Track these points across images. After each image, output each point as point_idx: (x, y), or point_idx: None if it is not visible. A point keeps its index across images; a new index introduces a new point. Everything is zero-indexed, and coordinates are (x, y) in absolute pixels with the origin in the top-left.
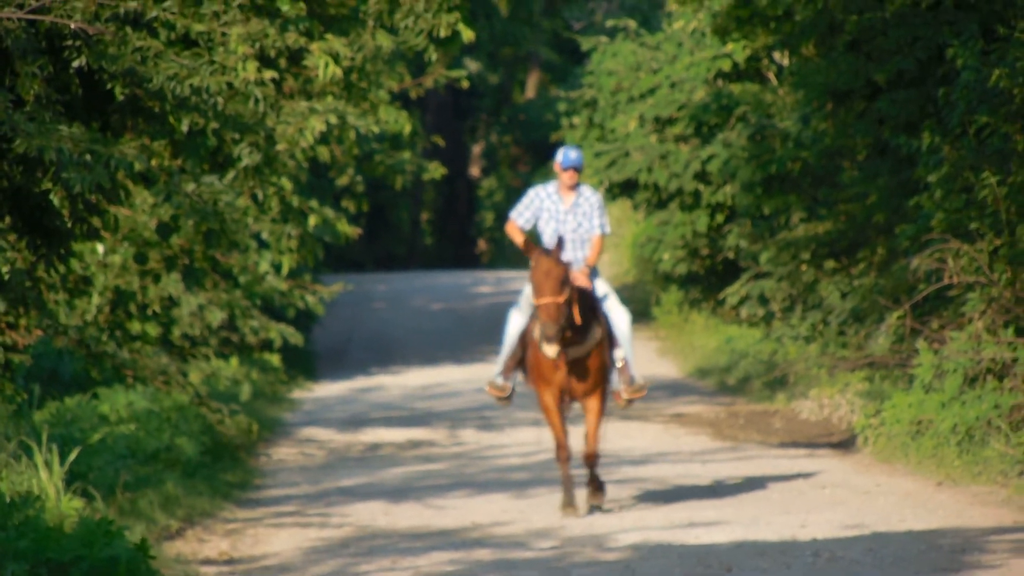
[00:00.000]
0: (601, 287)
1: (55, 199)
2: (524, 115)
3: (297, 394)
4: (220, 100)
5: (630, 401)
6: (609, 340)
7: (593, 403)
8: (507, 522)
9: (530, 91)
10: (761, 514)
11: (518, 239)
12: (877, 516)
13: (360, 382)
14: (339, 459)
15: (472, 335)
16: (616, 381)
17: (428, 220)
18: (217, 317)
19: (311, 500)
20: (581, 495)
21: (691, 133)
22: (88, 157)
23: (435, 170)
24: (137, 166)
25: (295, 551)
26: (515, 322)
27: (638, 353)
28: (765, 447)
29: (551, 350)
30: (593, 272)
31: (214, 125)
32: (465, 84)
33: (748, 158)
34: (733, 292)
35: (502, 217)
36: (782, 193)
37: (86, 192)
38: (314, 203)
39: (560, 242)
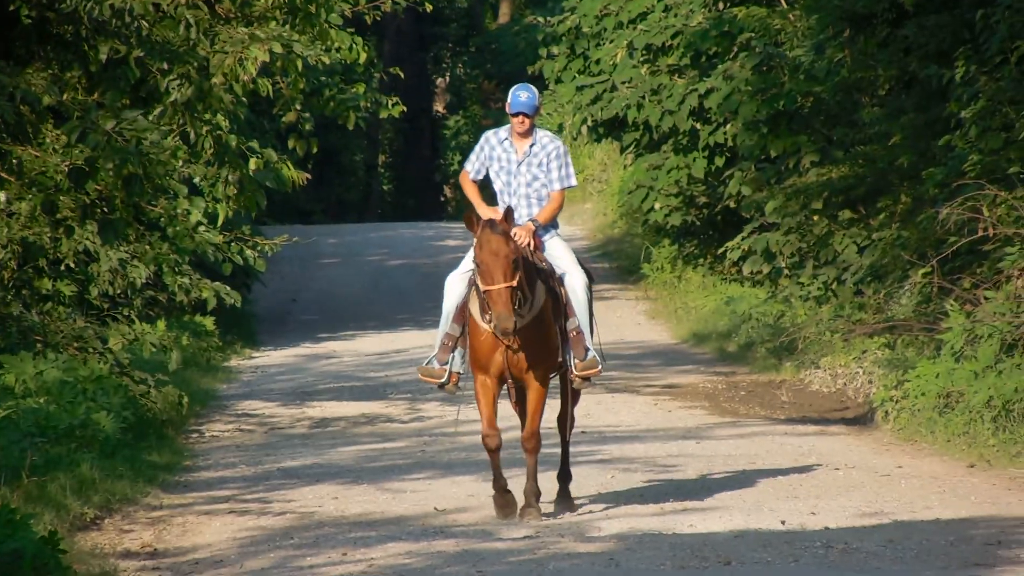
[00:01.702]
0: (556, 246)
1: None
2: (496, 44)
3: (234, 362)
4: (145, 24)
5: (584, 379)
6: (563, 308)
7: (534, 380)
8: (474, 508)
9: (503, 16)
10: (765, 500)
11: (470, 197)
12: (898, 502)
13: (306, 349)
14: (282, 437)
15: (436, 296)
16: (570, 356)
17: (385, 163)
18: (141, 274)
19: (249, 484)
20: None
21: (687, 64)
22: None
23: (394, 107)
24: (46, 99)
25: (230, 542)
26: (452, 292)
27: (624, 316)
28: (770, 423)
29: (505, 338)
30: (547, 228)
31: (138, 53)
32: (429, 7)
33: (752, 93)
34: (734, 246)
35: None
36: (791, 133)
37: None
38: (255, 144)
39: (508, 213)
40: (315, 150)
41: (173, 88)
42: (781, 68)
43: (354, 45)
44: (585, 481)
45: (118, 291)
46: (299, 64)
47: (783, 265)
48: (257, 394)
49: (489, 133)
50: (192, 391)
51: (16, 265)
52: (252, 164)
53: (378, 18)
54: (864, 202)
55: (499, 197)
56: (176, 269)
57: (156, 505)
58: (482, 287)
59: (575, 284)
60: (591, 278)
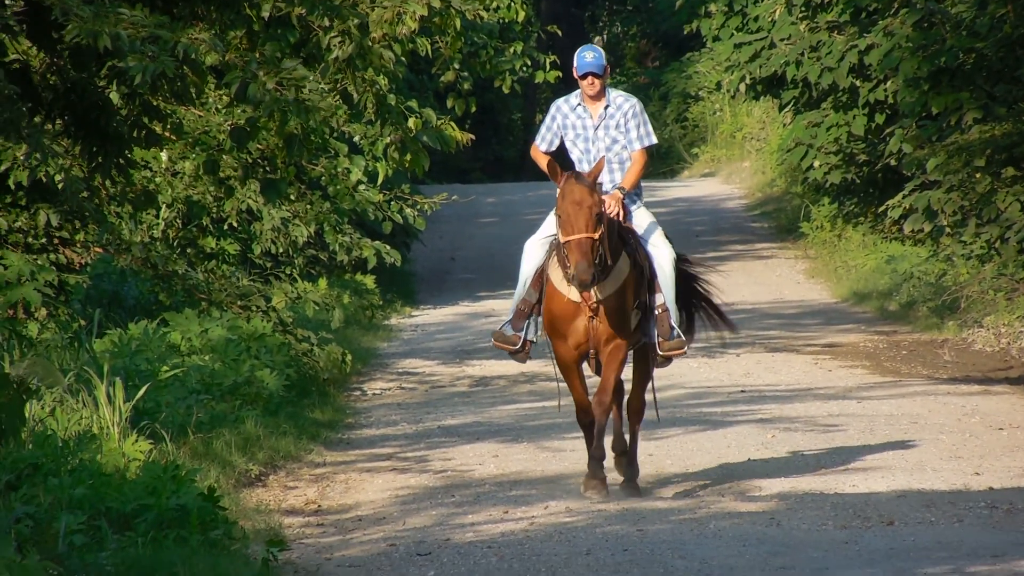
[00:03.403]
0: (642, 216)
1: (114, 97)
2: (653, 2)
3: (395, 321)
4: None
5: (667, 359)
6: (649, 283)
7: (613, 352)
8: None
9: None
10: (927, 459)
11: (542, 163)
12: None
13: (466, 307)
14: (442, 395)
15: None
16: (654, 333)
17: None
18: (303, 233)
19: (410, 441)
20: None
21: (847, 20)
22: (151, 46)
23: (549, 71)
24: (210, 58)
25: (391, 499)
26: (531, 257)
27: (783, 275)
28: (932, 382)
29: (577, 294)
30: (632, 197)
31: (299, 11)
32: None
33: (913, 49)
34: (895, 204)
35: None
36: (953, 90)
37: (148, 86)
38: (414, 103)
39: (601, 163)
40: (473, 109)
41: (334, 45)
42: (943, 24)
43: (512, 3)
44: (745, 440)
45: (280, 250)
46: (457, 23)
47: (945, 223)
48: (417, 352)
49: (560, 101)
50: (354, 349)
51: (181, 224)
52: (411, 123)
53: None
54: None
55: (577, 166)
56: (337, 228)
57: (319, 462)
58: (562, 238)
59: (663, 260)
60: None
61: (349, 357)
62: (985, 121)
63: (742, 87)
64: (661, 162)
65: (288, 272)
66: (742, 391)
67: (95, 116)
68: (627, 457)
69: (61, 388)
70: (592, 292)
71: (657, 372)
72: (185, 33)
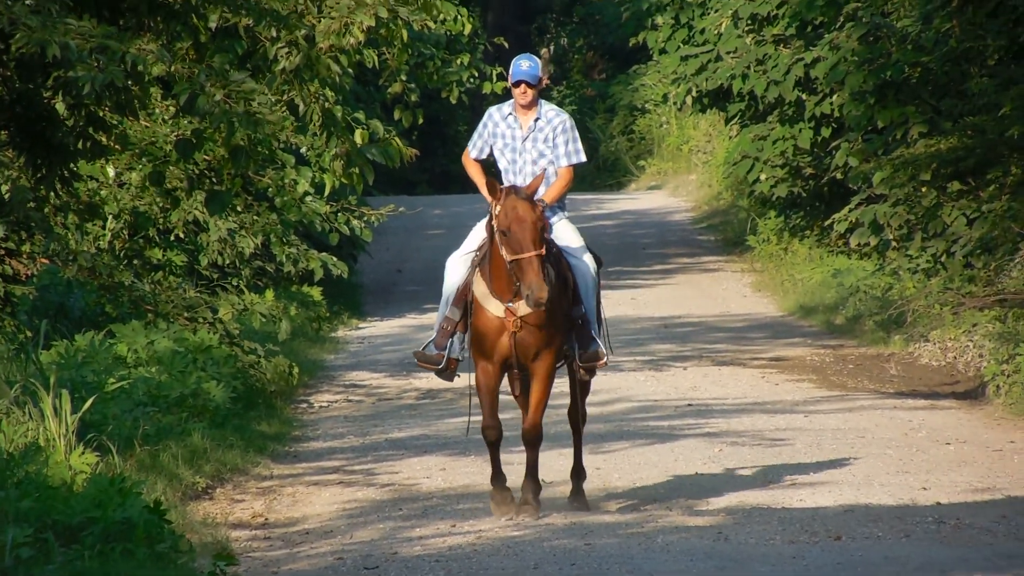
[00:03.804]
0: (564, 228)
1: (60, 108)
2: (600, 15)
3: (342, 333)
4: None
5: (589, 371)
6: (570, 294)
7: (540, 368)
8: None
9: None
10: (875, 474)
11: (475, 176)
12: (1011, 478)
13: (413, 319)
14: (389, 408)
15: None
16: (575, 345)
17: None
18: (250, 244)
19: (357, 454)
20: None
21: (793, 34)
22: (99, 56)
23: (497, 83)
24: (157, 69)
25: (339, 512)
26: (453, 274)
27: (730, 288)
28: (879, 396)
29: (501, 309)
30: (554, 210)
31: (247, 22)
32: None
33: (859, 63)
34: (841, 218)
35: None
36: (899, 104)
37: (94, 97)
38: (361, 115)
39: (540, 177)
40: (421, 121)
41: (281, 56)
42: (888, 38)
43: (459, 16)
44: (693, 454)
45: (227, 261)
46: (404, 34)
47: (891, 237)
48: (364, 365)
49: (492, 109)
50: (300, 361)
51: (127, 235)
52: (358, 136)
53: None
54: (973, 174)
55: (504, 176)
56: (284, 239)
57: (266, 475)
58: (508, 257)
59: (583, 270)
60: (599, 263)
61: (296, 369)
62: (931, 135)
63: (688, 100)
64: (608, 174)
65: (235, 283)
66: (689, 405)
67: (41, 127)
68: (574, 466)
69: (7, 400)
70: (515, 306)
71: (607, 386)
72: (133, 44)
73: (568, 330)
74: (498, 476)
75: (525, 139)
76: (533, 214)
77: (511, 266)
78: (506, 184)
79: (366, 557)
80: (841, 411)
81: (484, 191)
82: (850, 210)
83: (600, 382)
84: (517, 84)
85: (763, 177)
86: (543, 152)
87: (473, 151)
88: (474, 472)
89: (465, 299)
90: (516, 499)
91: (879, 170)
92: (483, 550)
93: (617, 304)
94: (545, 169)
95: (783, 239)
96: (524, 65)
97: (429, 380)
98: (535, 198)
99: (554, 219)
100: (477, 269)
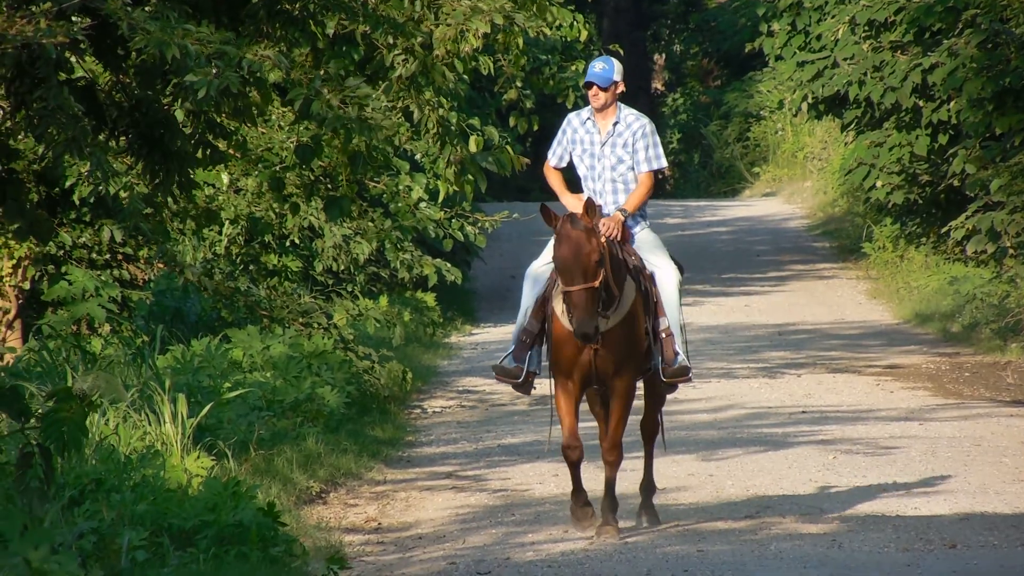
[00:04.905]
0: (646, 239)
1: (178, 114)
2: (715, 21)
3: (455, 339)
4: None
5: (670, 385)
6: (652, 307)
7: (620, 385)
8: (694, 487)
9: None
10: (990, 482)
11: (555, 186)
12: None
13: None
14: (502, 413)
15: None
16: (659, 359)
17: None
18: (364, 250)
19: (470, 460)
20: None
21: (910, 40)
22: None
23: None
24: (274, 75)
25: (451, 517)
26: (532, 285)
27: (845, 295)
28: (995, 404)
29: (585, 344)
30: (635, 218)
31: (364, 28)
32: None
33: (978, 69)
34: (958, 225)
35: (689, 138)
36: (1017, 110)
37: (212, 102)
38: (475, 121)
39: (590, 205)
40: (536, 127)
41: (398, 63)
42: (1008, 44)
43: (575, 22)
44: (806, 462)
45: (342, 267)
46: (520, 41)
47: (1008, 244)
48: (477, 371)
49: (571, 115)
50: (414, 367)
51: (244, 241)
52: (473, 143)
53: None
54: None
55: (583, 183)
56: (398, 245)
57: (379, 480)
58: (561, 287)
59: (666, 281)
60: (682, 272)
61: (410, 375)
62: None
63: (804, 106)
64: (722, 181)
65: (349, 289)
66: (803, 412)
67: (159, 134)
68: (644, 479)
69: (125, 404)
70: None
71: (719, 392)
72: (251, 50)
73: (650, 344)
74: (579, 493)
75: (604, 144)
76: (588, 245)
77: (565, 296)
78: (585, 193)
79: (478, 562)
80: (957, 419)
81: (542, 217)
82: (967, 217)
83: (714, 388)
84: (588, 86)
85: (879, 184)
86: (622, 158)
87: (553, 159)
88: (587, 478)
89: (544, 312)
90: (596, 513)
91: (997, 177)
92: (596, 556)
93: (731, 311)
94: (599, 207)
95: (899, 246)
96: (597, 67)
97: (542, 386)
98: (618, 207)
99: (636, 228)
100: (557, 282)
